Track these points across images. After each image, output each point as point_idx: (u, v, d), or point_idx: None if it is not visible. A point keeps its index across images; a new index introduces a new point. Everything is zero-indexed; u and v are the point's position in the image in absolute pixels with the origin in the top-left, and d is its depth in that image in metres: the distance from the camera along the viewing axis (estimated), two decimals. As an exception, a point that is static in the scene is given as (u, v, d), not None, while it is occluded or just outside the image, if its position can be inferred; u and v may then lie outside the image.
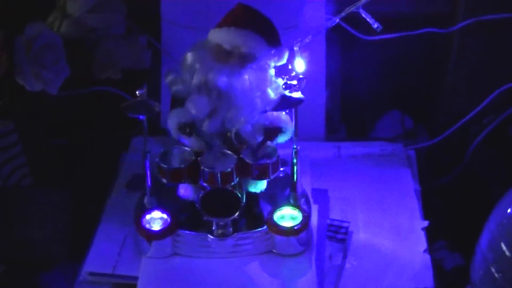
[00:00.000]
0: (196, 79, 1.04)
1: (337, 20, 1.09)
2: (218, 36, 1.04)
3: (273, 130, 1.04)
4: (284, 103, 1.02)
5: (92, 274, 1.04)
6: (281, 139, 1.05)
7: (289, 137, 1.05)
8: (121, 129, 1.28)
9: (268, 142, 1.04)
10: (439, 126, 1.34)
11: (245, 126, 1.03)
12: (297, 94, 1.02)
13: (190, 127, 1.03)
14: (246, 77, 1.03)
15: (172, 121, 1.04)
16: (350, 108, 1.40)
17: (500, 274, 0.92)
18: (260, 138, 1.03)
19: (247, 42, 1.03)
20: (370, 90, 1.39)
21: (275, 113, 1.03)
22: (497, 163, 1.28)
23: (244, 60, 1.04)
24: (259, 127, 1.03)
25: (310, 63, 1.12)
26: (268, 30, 1.06)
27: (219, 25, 1.06)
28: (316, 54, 1.26)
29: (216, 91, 1.03)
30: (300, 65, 1.04)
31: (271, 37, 1.05)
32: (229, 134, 1.04)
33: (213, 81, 1.03)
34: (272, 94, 1.04)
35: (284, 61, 1.07)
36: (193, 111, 1.02)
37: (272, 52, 1.05)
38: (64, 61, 1.18)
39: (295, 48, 1.08)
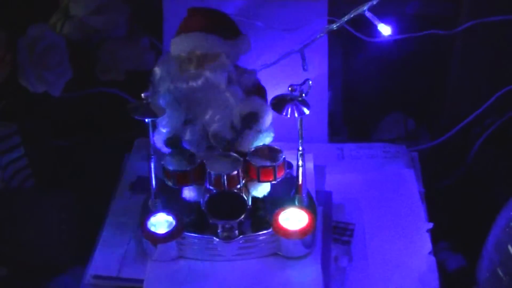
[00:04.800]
0: (162, 92, 1.04)
1: (342, 23, 1.09)
2: (174, 47, 1.06)
3: (249, 115, 1.03)
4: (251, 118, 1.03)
5: (97, 277, 1.04)
6: (261, 124, 1.04)
7: (269, 122, 1.04)
8: (123, 130, 1.27)
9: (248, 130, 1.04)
10: (441, 128, 1.34)
11: (221, 124, 1.03)
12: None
13: (173, 141, 1.04)
14: (205, 78, 1.03)
15: (157, 139, 1.05)
16: (352, 110, 1.40)
17: (507, 276, 0.93)
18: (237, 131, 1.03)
19: (198, 44, 1.04)
20: (372, 92, 1.39)
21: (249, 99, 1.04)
22: (500, 164, 1.28)
23: (203, 61, 1.04)
24: (236, 117, 1.03)
25: (312, 65, 1.12)
26: (220, 24, 1.06)
27: (174, 36, 1.06)
28: (319, 55, 1.26)
29: (183, 100, 1.03)
30: (305, 67, 1.04)
31: (224, 31, 1.05)
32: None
33: (176, 91, 1.03)
34: (242, 86, 1.04)
35: (247, 49, 1.07)
36: (166, 125, 1.03)
37: (229, 45, 1.05)
38: (67, 63, 1.18)
39: (300, 51, 1.08)
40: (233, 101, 1.03)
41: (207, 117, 1.03)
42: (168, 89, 1.04)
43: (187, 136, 1.04)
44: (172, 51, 1.06)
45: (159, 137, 1.05)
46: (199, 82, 1.03)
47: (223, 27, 1.05)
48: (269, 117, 1.04)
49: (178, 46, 1.05)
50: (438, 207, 1.19)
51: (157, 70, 1.06)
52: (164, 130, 1.04)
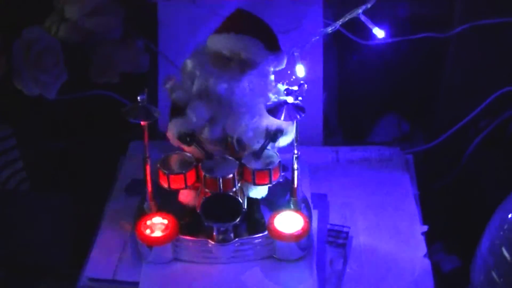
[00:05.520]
0: (196, 86, 1.04)
1: (337, 26, 1.09)
2: (217, 43, 1.05)
3: (274, 132, 1.04)
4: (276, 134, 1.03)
5: (92, 280, 1.04)
6: (283, 141, 1.05)
7: (291, 139, 1.05)
8: (118, 132, 1.27)
9: (270, 144, 1.04)
10: (435, 130, 1.34)
11: (246, 131, 1.03)
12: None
13: (190, 137, 1.04)
14: (246, 83, 1.03)
15: (172, 131, 1.05)
16: (347, 112, 1.40)
17: (501, 279, 0.93)
18: (261, 142, 1.04)
19: (246, 48, 1.03)
20: (367, 94, 1.40)
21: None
22: (494, 166, 1.29)
23: (244, 66, 1.04)
24: (260, 131, 1.03)
25: (307, 67, 1.12)
26: (267, 35, 1.06)
27: (218, 31, 1.06)
28: (314, 58, 1.26)
29: (216, 98, 1.03)
30: (300, 70, 1.04)
31: (270, 43, 1.06)
32: (230, 140, 1.04)
33: (213, 87, 1.03)
34: (274, 99, 1.04)
35: (283, 66, 1.07)
36: (194, 119, 1.03)
37: (272, 57, 1.05)
38: (63, 65, 1.18)
39: (295, 54, 1.08)
40: (265, 112, 1.03)
41: (232, 120, 1.04)
42: (206, 85, 1.03)
43: (207, 134, 1.04)
44: (213, 45, 1.05)
45: (174, 130, 1.04)
46: (241, 85, 1.03)
47: (269, 38, 1.05)
48: (292, 135, 1.04)
49: (221, 42, 1.04)
50: (433, 208, 1.19)
51: (189, 62, 1.05)
52: (193, 119, 1.03)
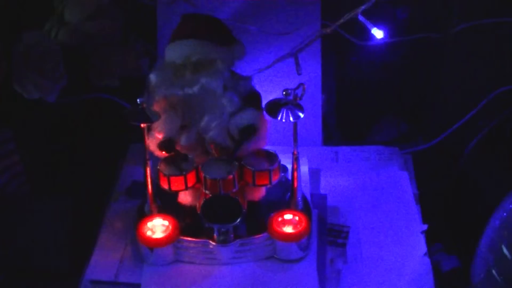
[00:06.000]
0: (158, 99, 1.04)
1: (336, 27, 1.10)
2: (168, 54, 1.07)
3: (246, 128, 1.04)
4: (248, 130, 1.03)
5: (94, 282, 1.04)
6: (257, 136, 1.05)
7: (266, 133, 1.05)
8: (118, 135, 1.28)
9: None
10: (434, 130, 1.34)
11: (218, 130, 1.04)
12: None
13: (167, 144, 1.04)
14: (205, 84, 1.03)
15: (151, 144, 1.05)
16: (345, 113, 1.40)
17: (501, 277, 0.93)
18: (236, 138, 1.04)
19: (193, 51, 1.04)
20: (365, 95, 1.40)
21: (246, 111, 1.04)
22: (493, 165, 1.29)
23: (199, 68, 1.04)
24: (231, 129, 1.04)
25: (306, 68, 1.12)
26: (214, 31, 1.07)
27: (169, 42, 1.07)
28: (312, 59, 1.27)
29: (180, 106, 1.04)
30: (299, 71, 1.05)
31: (220, 37, 1.06)
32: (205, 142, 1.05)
33: (175, 97, 1.04)
34: (238, 93, 1.05)
35: (242, 55, 1.08)
36: (161, 130, 1.04)
37: (226, 52, 1.06)
38: (62, 69, 1.19)
39: (294, 55, 1.09)
40: (230, 107, 1.04)
41: (202, 123, 1.04)
42: (164, 95, 1.04)
43: (183, 141, 1.04)
44: (167, 58, 1.07)
45: (153, 141, 1.06)
46: (195, 88, 1.03)
47: (218, 33, 1.06)
48: (265, 127, 1.04)
49: (173, 53, 1.06)
50: (432, 208, 1.19)
51: (152, 77, 1.06)
52: (159, 136, 1.05)
